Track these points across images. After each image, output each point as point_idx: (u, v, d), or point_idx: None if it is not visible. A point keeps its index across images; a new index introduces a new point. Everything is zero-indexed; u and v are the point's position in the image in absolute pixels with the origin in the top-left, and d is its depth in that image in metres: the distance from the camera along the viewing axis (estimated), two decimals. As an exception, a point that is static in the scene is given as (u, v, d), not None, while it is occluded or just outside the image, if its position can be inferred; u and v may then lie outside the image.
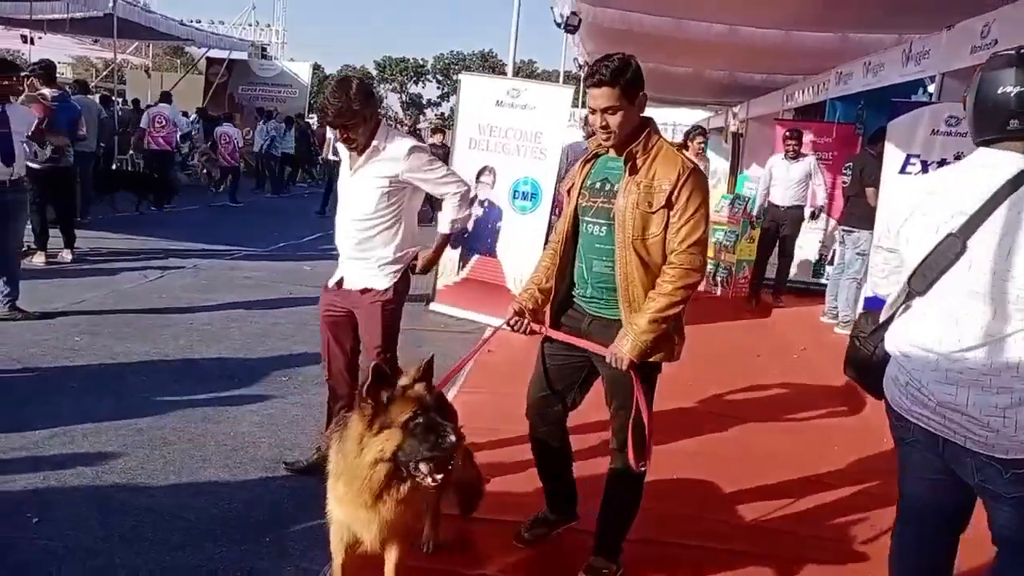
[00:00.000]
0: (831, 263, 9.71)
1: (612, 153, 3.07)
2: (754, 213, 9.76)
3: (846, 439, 5.13)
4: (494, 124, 7.62)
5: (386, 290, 3.79)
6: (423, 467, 2.48)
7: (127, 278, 8.32)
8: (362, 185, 3.71)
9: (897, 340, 2.53)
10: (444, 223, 3.93)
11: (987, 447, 2.30)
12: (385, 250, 3.78)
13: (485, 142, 7.67)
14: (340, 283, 3.87)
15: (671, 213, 2.92)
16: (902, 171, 7.47)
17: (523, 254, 7.10)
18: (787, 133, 9.43)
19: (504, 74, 9.64)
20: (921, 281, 2.44)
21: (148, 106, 16.96)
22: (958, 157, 7.15)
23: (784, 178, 9.17)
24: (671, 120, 22.73)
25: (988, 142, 2.38)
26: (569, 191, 3.17)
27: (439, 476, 2.51)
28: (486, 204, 7.65)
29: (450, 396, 5.37)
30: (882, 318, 2.64)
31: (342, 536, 2.77)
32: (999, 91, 2.31)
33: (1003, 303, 2.27)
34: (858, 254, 8.16)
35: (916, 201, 2.51)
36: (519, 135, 7.50)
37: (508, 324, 3.19)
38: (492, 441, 4.38)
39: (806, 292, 9.98)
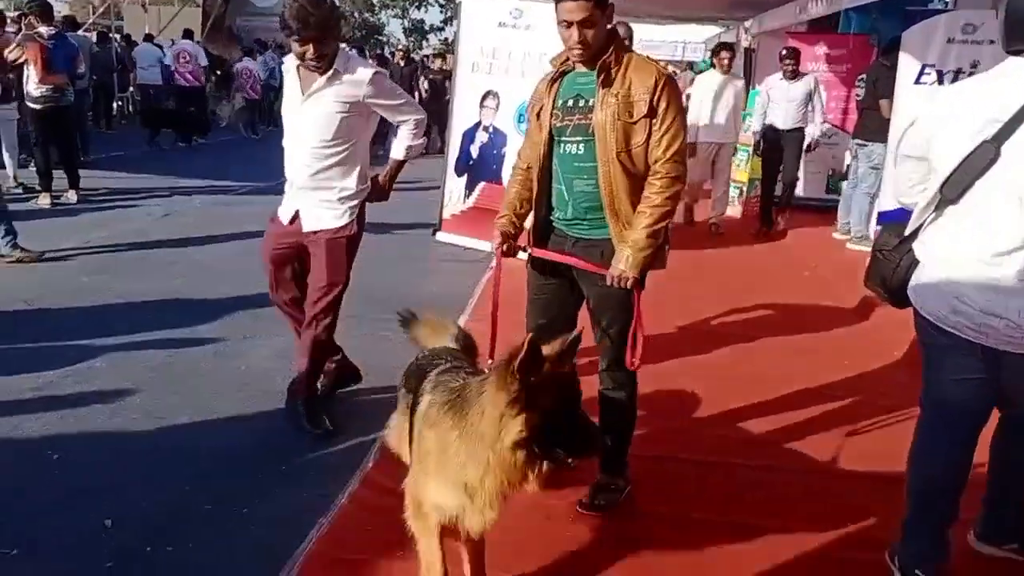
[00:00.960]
0: (844, 178, 9.54)
1: (580, 68, 2.99)
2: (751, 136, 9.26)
3: (858, 355, 5.12)
4: (496, 46, 7.42)
5: (348, 224, 3.70)
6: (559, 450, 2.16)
7: (133, 216, 8.30)
8: (321, 111, 3.55)
9: (932, 250, 2.62)
10: (400, 149, 3.87)
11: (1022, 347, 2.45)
12: (346, 180, 3.67)
13: (488, 65, 7.48)
14: (294, 218, 3.72)
15: (653, 121, 2.89)
16: (917, 81, 7.30)
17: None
18: (783, 52, 8.88)
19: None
20: (954, 189, 2.49)
21: (149, 37, 16.71)
22: (974, 66, 7.03)
23: (783, 99, 8.59)
24: (680, 38, 22.00)
25: (1019, 51, 2.42)
26: (539, 114, 3.05)
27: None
28: (491, 130, 7.51)
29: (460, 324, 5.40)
30: (909, 229, 2.71)
31: (439, 523, 2.42)
32: None
33: None
34: (872, 168, 8.02)
35: (948, 110, 2.55)
36: (523, 57, 7.29)
37: (496, 247, 3.12)
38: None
39: (819, 209, 9.84)
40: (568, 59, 3.03)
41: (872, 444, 3.89)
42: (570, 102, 3.00)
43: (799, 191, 9.57)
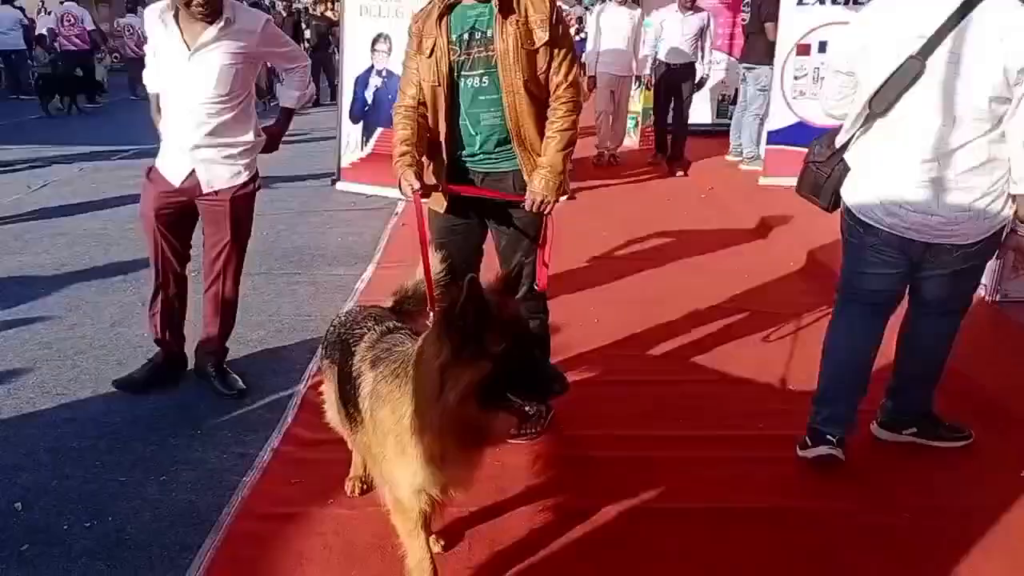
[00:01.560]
0: (734, 102, 9.75)
1: (467, 1, 2.93)
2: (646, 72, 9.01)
3: (757, 271, 5.32)
4: (388, -13, 7.21)
5: (251, 179, 3.57)
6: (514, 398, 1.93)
7: (9, 190, 7.80)
8: (214, 64, 3.32)
9: (864, 159, 2.87)
10: (291, 98, 3.77)
11: (951, 238, 2.76)
12: (245, 134, 3.51)
13: (377, 7, 7.27)
14: (187, 178, 3.47)
15: (555, 49, 2.92)
16: (800, 3, 7.42)
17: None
18: None
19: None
20: (881, 103, 2.72)
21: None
22: (857, -16, 7.21)
23: (677, 32, 8.31)
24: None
25: None
26: (432, 52, 2.95)
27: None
28: (384, 74, 7.33)
29: (367, 273, 5.34)
30: (840, 141, 2.94)
31: (423, 509, 2.19)
32: None
33: (961, 116, 2.59)
34: (760, 90, 8.21)
35: (875, 27, 2.75)
36: (412, -4, 7.11)
37: (413, 192, 2.95)
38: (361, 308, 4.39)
39: (710, 134, 10.05)
40: None
41: (775, 352, 4.08)
42: (466, 36, 2.94)
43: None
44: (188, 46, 3.32)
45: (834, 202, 3.03)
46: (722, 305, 4.70)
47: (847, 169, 2.92)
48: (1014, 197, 2.69)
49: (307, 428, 3.34)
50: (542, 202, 2.94)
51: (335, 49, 12.20)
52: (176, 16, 3.32)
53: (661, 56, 8.47)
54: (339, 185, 7.58)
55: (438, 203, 3.12)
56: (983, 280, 4.38)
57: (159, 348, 3.78)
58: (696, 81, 8.52)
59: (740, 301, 4.78)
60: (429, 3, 3.05)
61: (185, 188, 3.50)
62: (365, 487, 2.88)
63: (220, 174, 3.50)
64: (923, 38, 2.59)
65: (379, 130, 7.42)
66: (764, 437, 3.30)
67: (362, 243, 6.01)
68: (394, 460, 2.11)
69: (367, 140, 7.49)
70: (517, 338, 1.89)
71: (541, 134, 3.01)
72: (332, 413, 2.71)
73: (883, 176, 2.82)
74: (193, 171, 3.47)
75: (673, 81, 8.50)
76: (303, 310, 4.66)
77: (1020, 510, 2.82)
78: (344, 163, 7.58)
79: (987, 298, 4.42)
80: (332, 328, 2.69)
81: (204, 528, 2.71)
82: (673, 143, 8.80)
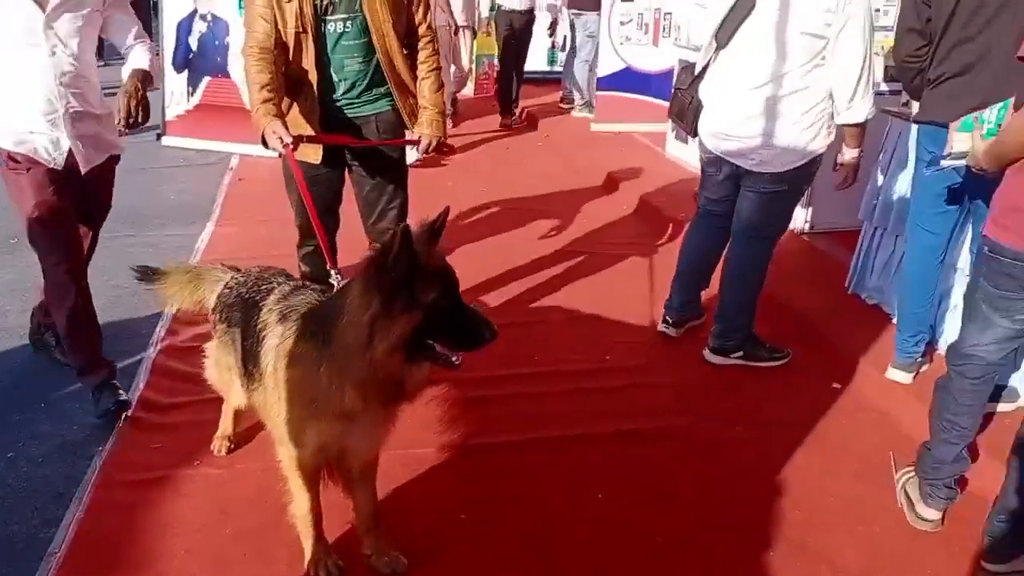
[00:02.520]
0: (563, 49, 9.94)
1: None
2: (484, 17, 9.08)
3: (595, 212, 5.61)
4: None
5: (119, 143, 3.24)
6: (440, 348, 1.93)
7: None
8: (77, 24, 2.89)
9: (708, 88, 3.32)
10: (143, 59, 3.08)
11: (768, 165, 3.21)
12: (104, 98, 3.13)
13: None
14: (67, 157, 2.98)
15: None
16: None
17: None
18: None
19: None
20: (724, 34, 3.19)
21: None
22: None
23: None
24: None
25: None
26: None
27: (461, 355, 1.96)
28: (209, 18, 6.96)
29: (206, 232, 5.17)
30: (696, 70, 3.41)
31: (318, 468, 2.20)
32: None
33: (781, 49, 3.05)
34: (588, 36, 8.41)
35: None
36: (232, -64, 6.76)
37: (284, 146, 2.83)
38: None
39: (542, 81, 10.25)
40: None
41: (615, 289, 4.36)
42: None
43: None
44: (42, 8, 2.82)
45: (695, 127, 3.45)
46: (565, 249, 4.93)
47: (701, 101, 3.38)
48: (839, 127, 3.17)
49: (162, 393, 3.28)
50: (436, 142, 3.11)
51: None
52: None
53: (501, 2, 8.31)
54: (165, 140, 7.17)
55: (313, 155, 3.05)
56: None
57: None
58: (549, 25, 8.51)
59: (581, 244, 5.03)
60: None
61: (68, 167, 3.01)
62: (232, 446, 2.89)
63: (104, 144, 3.14)
64: None
65: (206, 79, 7.08)
66: (610, 368, 3.56)
67: (197, 201, 5.78)
68: (306, 417, 2.06)
69: (193, 91, 7.11)
70: (446, 288, 1.88)
71: (410, 75, 3.11)
72: (214, 372, 2.70)
73: (719, 103, 3.29)
74: (71, 150, 3.00)
75: (515, 30, 8.32)
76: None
77: (835, 415, 3.23)
78: (169, 116, 7.16)
79: (796, 230, 4.89)
80: (228, 290, 2.57)
81: (64, 501, 2.63)
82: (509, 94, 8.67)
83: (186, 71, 7.10)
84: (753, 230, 3.38)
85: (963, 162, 2.45)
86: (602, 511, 2.65)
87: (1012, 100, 2.26)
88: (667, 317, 3.80)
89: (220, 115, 6.96)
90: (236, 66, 6.90)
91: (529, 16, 8.46)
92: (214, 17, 6.98)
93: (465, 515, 2.60)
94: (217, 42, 7.01)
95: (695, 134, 3.51)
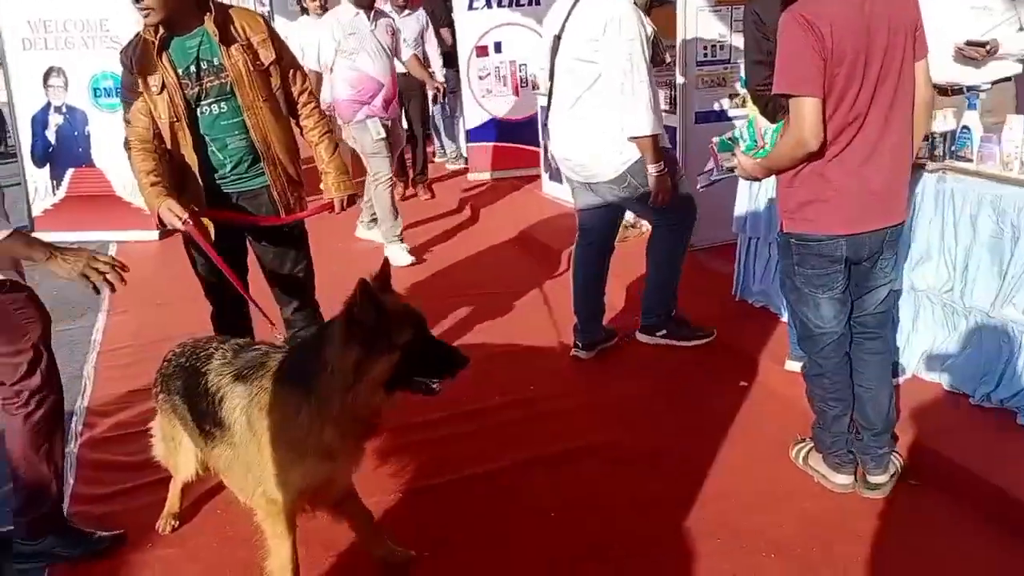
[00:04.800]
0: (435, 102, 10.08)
1: (181, 35, 2.97)
2: None
3: (488, 249, 5.83)
4: (47, 17, 6.64)
5: None
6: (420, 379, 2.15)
7: None
8: None
9: (549, 119, 3.90)
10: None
11: (593, 176, 3.76)
12: None
13: (43, 40, 6.69)
14: None
15: (282, 63, 3.13)
16: (470, 7, 7.92)
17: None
18: None
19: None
20: (548, 69, 3.83)
21: None
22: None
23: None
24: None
25: None
26: (162, 90, 2.94)
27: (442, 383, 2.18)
28: (64, 110, 6.79)
29: (100, 323, 5.03)
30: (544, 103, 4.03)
31: (299, 510, 2.34)
32: None
33: (573, 76, 3.67)
34: (450, 92, 8.68)
35: (546, 21, 3.95)
36: (81, 26, 6.66)
37: (183, 222, 2.92)
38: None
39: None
40: (152, 30, 2.91)
41: (527, 321, 4.59)
42: (192, 68, 3.00)
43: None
44: None
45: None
46: (468, 292, 5.09)
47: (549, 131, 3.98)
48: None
49: (93, 485, 3.20)
50: (347, 199, 3.29)
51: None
52: None
53: None
54: (34, 235, 6.87)
55: (205, 237, 3.08)
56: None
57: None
58: (433, 96, 7.51)
59: (482, 285, 5.22)
60: (135, 36, 3.04)
61: None
62: (178, 523, 2.87)
63: None
64: (560, 23, 3.71)
65: (70, 171, 6.85)
66: (535, 397, 3.74)
67: (79, 293, 5.59)
68: (286, 464, 2.18)
69: (59, 184, 6.87)
70: (416, 327, 2.12)
71: (288, 148, 3.17)
72: (161, 447, 2.72)
73: (553, 131, 3.90)
74: None
75: (407, 96, 7.33)
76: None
77: (746, 409, 3.51)
78: (36, 211, 6.89)
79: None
80: (167, 363, 2.67)
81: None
82: (414, 162, 7.91)
83: (47, 165, 6.87)
84: (651, 217, 3.99)
85: (734, 174, 3.01)
86: (556, 529, 2.81)
87: (755, 117, 3.13)
88: (577, 342, 4.06)
89: (91, 205, 6.76)
90: (100, 154, 6.77)
91: (419, 83, 7.24)
92: (69, 108, 6.81)
93: (428, 552, 2.69)
94: (76, 132, 6.82)
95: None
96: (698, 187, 3.51)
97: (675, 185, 3.73)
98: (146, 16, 2.88)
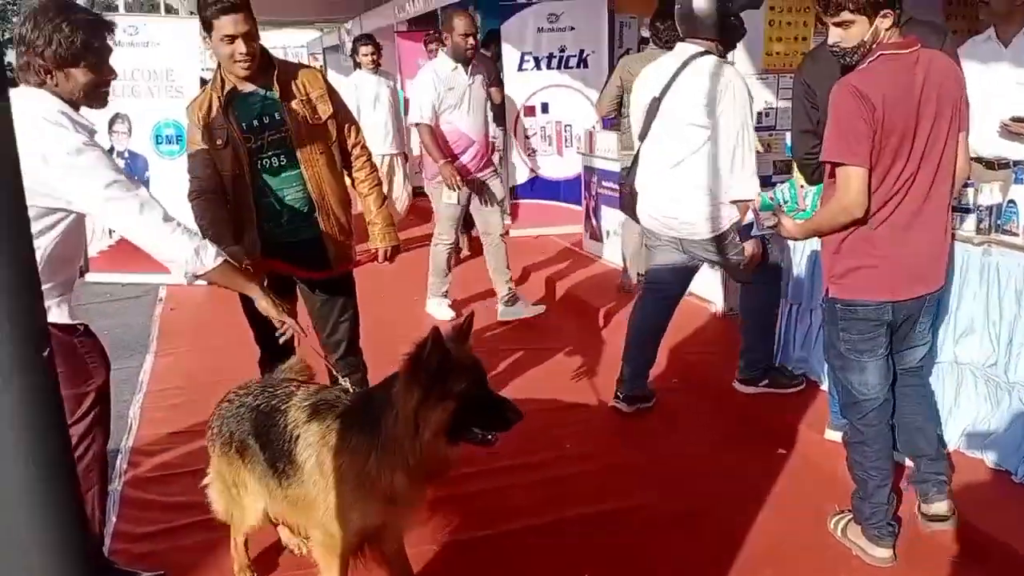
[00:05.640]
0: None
1: (245, 88, 3.09)
2: None
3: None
4: (118, 67, 6.95)
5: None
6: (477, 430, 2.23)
7: None
8: None
9: (637, 175, 3.96)
10: None
11: (694, 234, 3.77)
12: None
13: (110, 87, 6.98)
14: None
15: (339, 117, 3.26)
16: (519, 68, 8.15)
17: (182, 200, 6.70)
18: (362, 42, 8.32)
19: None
20: (642, 132, 3.88)
21: None
22: (562, 50, 8.10)
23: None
24: (281, 43, 22.01)
25: (684, 38, 3.77)
26: (227, 144, 3.08)
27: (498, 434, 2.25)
28: (127, 155, 7.07)
29: (147, 364, 5.16)
30: (630, 165, 4.06)
31: (356, 548, 2.42)
32: (687, 6, 3.66)
33: (680, 139, 3.70)
34: (496, 149, 8.86)
35: (639, 82, 3.99)
36: (148, 75, 6.97)
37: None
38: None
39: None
40: (223, 82, 3.07)
41: (566, 377, 4.59)
42: (255, 122, 3.13)
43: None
44: None
45: (634, 214, 4.06)
46: (508, 348, 5.14)
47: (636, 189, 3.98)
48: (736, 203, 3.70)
49: (133, 523, 3.27)
50: (391, 250, 3.41)
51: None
52: None
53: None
54: (88, 276, 7.12)
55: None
56: (711, 298, 5.28)
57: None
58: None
59: (522, 341, 5.26)
60: (202, 91, 3.23)
61: None
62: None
63: None
64: (662, 84, 3.74)
65: (128, 214, 7.09)
66: (571, 455, 3.74)
67: (132, 333, 5.76)
68: (351, 504, 2.27)
69: (116, 226, 7.12)
70: (474, 378, 2.20)
71: (341, 200, 3.29)
72: (220, 500, 2.71)
73: (644, 185, 3.90)
74: None
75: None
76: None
77: (785, 478, 3.47)
78: (92, 252, 7.13)
79: (717, 313, 5.26)
80: (228, 403, 2.65)
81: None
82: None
83: (107, 207, 7.11)
84: (738, 276, 4.04)
85: (774, 231, 3.07)
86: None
87: (795, 178, 3.22)
88: (618, 392, 4.12)
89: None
90: (159, 199, 6.94)
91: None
92: (132, 154, 7.09)
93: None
94: (136, 177, 7.04)
95: (638, 220, 4.05)
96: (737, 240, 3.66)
97: (766, 248, 3.84)
98: (245, 66, 3.02)
